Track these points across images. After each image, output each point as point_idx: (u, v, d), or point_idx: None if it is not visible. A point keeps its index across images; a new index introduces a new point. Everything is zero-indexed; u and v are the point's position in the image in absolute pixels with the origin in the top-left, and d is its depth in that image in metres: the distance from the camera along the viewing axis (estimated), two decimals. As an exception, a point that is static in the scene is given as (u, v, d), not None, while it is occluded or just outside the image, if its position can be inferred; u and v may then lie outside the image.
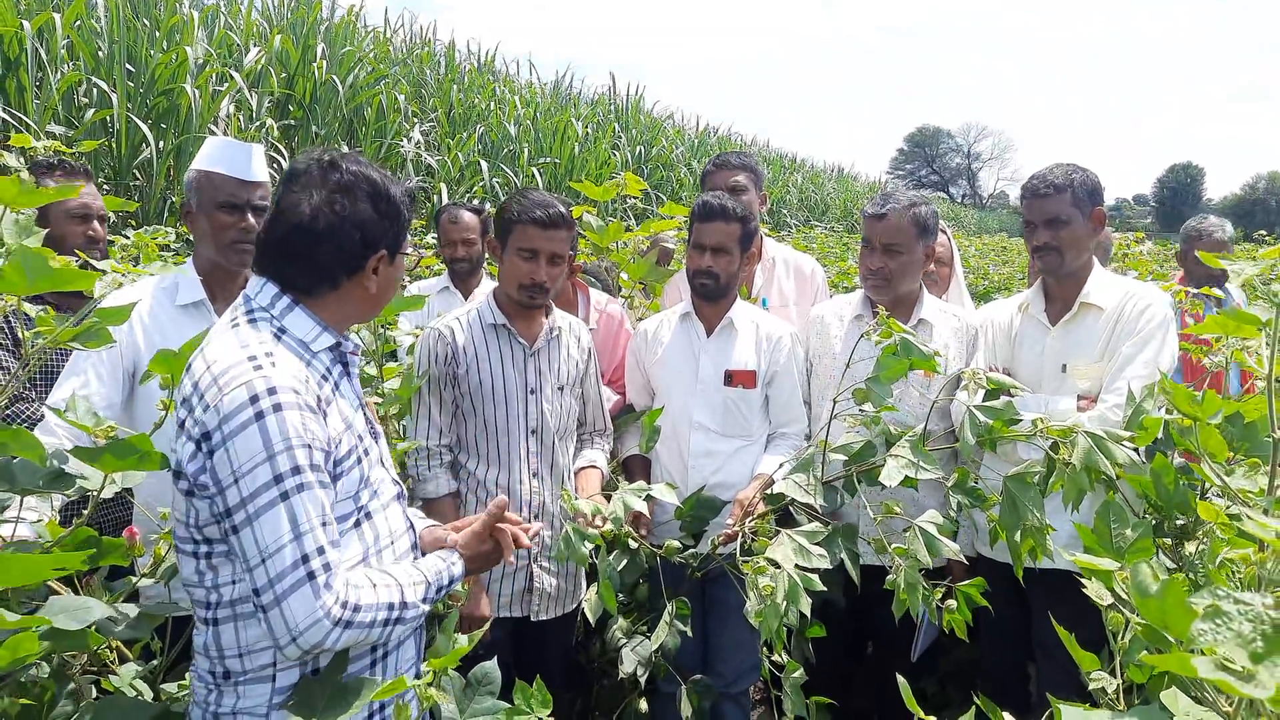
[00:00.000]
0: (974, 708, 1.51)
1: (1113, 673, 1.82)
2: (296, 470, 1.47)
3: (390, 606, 1.58)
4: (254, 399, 1.45)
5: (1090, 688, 1.78)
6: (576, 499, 2.46)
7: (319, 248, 1.60)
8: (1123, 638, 1.83)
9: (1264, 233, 11.73)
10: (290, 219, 1.61)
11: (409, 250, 1.80)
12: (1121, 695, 1.75)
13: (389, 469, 1.81)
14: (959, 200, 72.62)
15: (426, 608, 1.67)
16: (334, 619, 1.47)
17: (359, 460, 1.64)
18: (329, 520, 1.52)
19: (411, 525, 1.83)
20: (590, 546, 2.40)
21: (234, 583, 1.55)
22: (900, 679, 1.61)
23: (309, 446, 1.49)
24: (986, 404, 2.39)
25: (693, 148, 17.01)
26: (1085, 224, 2.73)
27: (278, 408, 1.46)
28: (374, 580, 1.58)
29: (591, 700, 3.54)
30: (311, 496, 1.49)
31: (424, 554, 1.83)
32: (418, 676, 1.76)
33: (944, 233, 3.68)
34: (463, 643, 1.70)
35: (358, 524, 1.64)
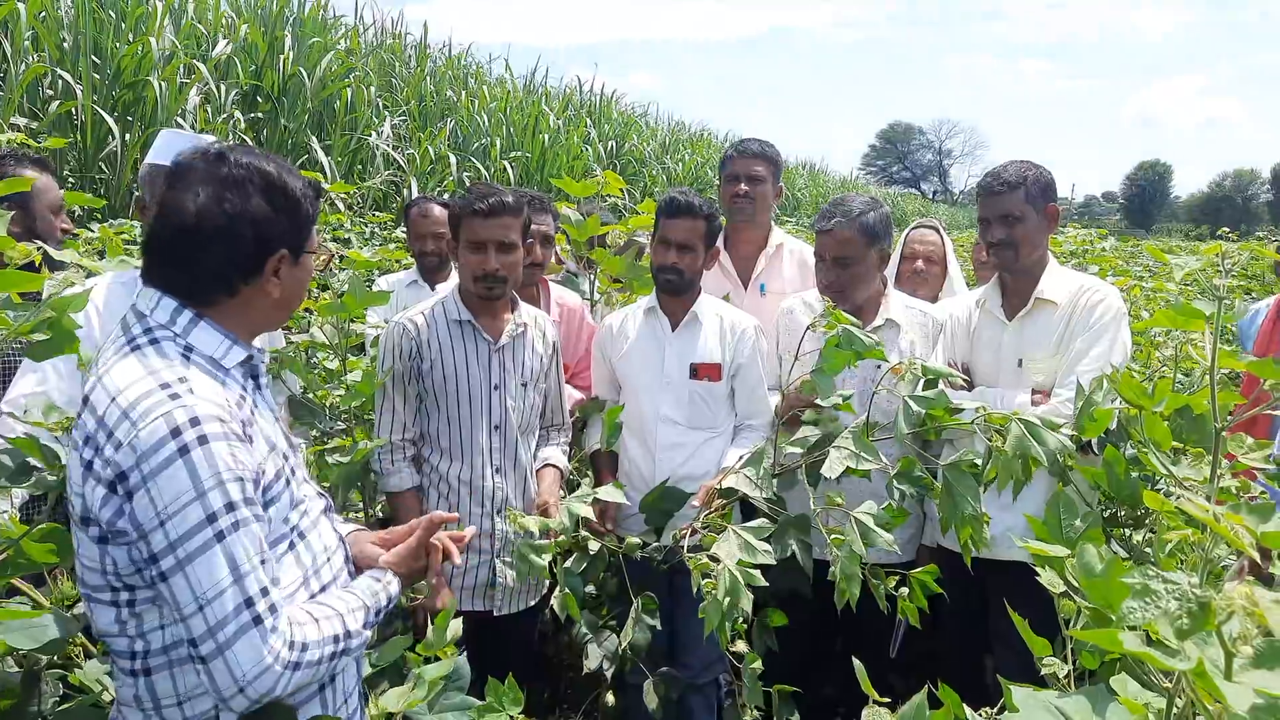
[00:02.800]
0: (925, 691, 1.53)
1: (1064, 659, 1.87)
2: (231, 507, 1.33)
3: (335, 639, 1.45)
4: (175, 432, 1.30)
5: (1043, 673, 1.82)
6: (522, 516, 2.46)
7: (207, 252, 1.43)
8: (1074, 624, 1.88)
9: (1226, 230, 11.91)
10: (173, 221, 1.43)
11: (317, 248, 1.62)
12: (1073, 680, 1.79)
13: (311, 481, 1.69)
14: (930, 197, 73.09)
15: (369, 633, 1.55)
16: (283, 662, 1.34)
17: (287, 482, 1.51)
18: (267, 556, 1.39)
19: (341, 539, 1.69)
20: (547, 557, 2.42)
21: (162, 627, 1.41)
22: (857, 663, 1.64)
23: (241, 479, 1.35)
24: (920, 394, 2.42)
25: (664, 145, 17.03)
26: (1039, 220, 2.77)
27: (203, 440, 1.32)
28: (314, 614, 1.45)
29: (559, 691, 3.56)
30: (249, 533, 1.35)
31: (356, 566, 1.72)
32: (363, 695, 1.72)
33: (937, 231, 3.72)
34: (423, 688, 1.70)
35: (292, 545, 1.51)
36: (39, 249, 1.56)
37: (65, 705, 1.76)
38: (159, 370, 1.37)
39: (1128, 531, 2.64)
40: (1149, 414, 1.76)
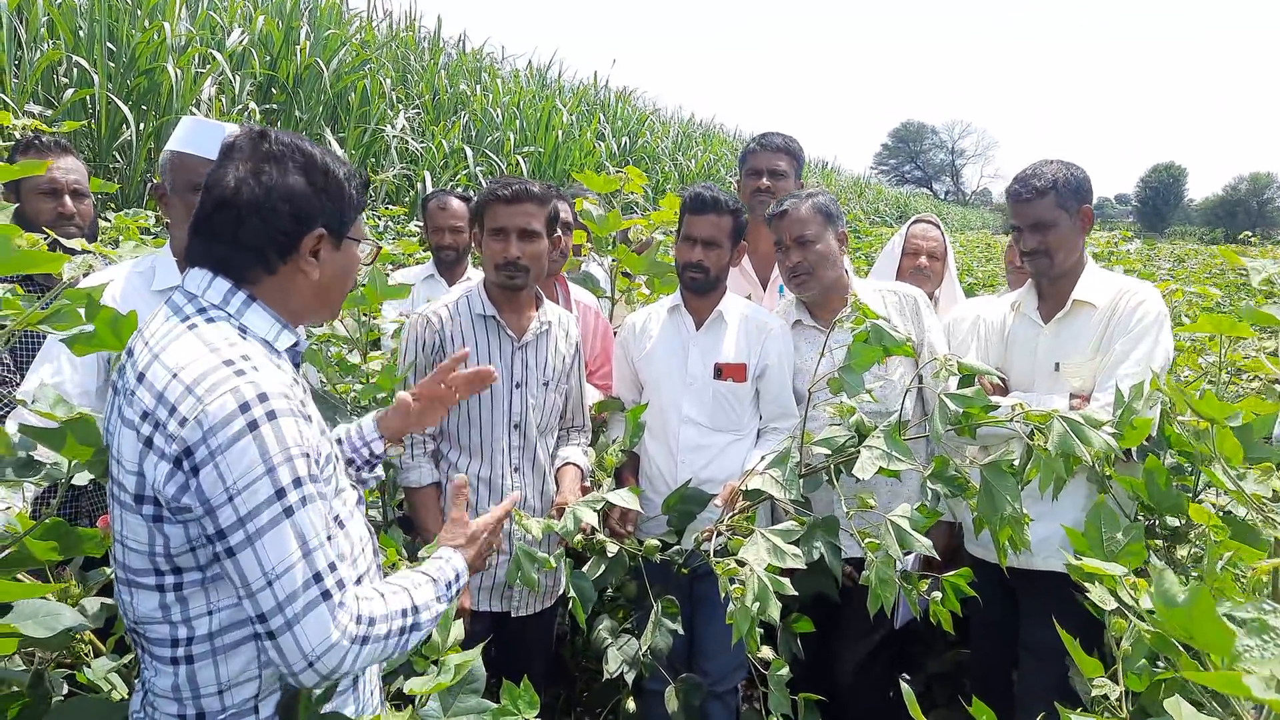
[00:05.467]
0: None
1: (1112, 678, 1.80)
2: (299, 482, 1.34)
3: (403, 612, 1.46)
4: (244, 407, 1.30)
5: (1093, 694, 1.75)
6: (526, 518, 2.41)
7: (244, 224, 1.44)
8: (1124, 644, 1.81)
9: (1249, 234, 11.79)
10: (214, 195, 1.46)
11: (365, 239, 1.63)
12: (1126, 700, 1.72)
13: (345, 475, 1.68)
14: (943, 197, 72.84)
15: (441, 608, 1.56)
16: (352, 637, 1.35)
17: (335, 467, 1.53)
18: (333, 532, 1.41)
19: (372, 531, 1.71)
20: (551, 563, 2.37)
21: (211, 613, 1.40)
22: (905, 686, 1.58)
23: (307, 456, 1.37)
24: (958, 391, 2.36)
25: (678, 142, 16.95)
26: (1073, 223, 2.69)
27: (271, 415, 1.32)
28: (381, 590, 1.47)
29: (575, 695, 3.51)
30: (315, 509, 1.36)
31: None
32: (382, 695, 1.71)
33: (937, 227, 3.65)
34: (449, 675, 1.65)
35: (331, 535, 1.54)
36: (47, 239, 1.50)
37: (70, 699, 1.72)
38: (220, 348, 1.37)
39: (1162, 543, 2.57)
40: (1221, 428, 1.67)
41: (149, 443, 1.33)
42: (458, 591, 1.64)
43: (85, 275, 1.60)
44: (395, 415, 1.96)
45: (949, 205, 54.56)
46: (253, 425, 1.30)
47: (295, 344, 1.52)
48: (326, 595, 1.34)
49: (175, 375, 1.33)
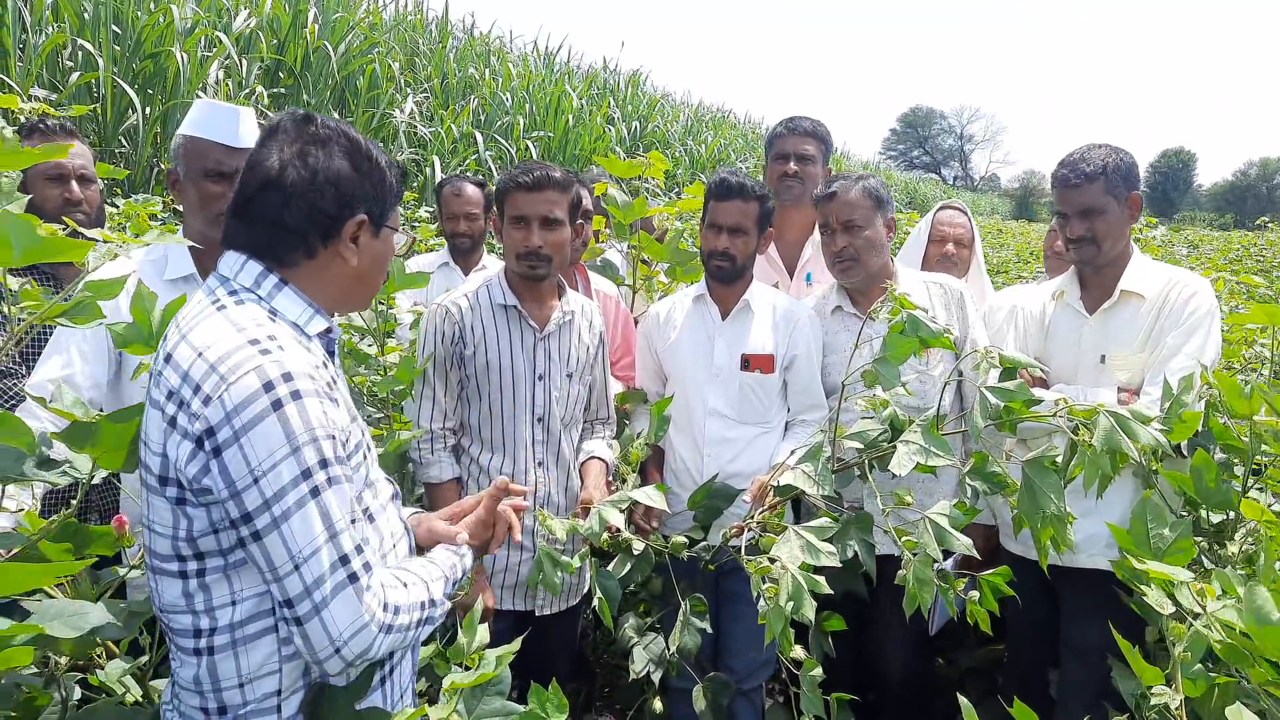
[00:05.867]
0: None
1: (1167, 682, 1.72)
2: (325, 464, 1.31)
3: (422, 605, 1.44)
4: (268, 386, 1.28)
5: (1154, 703, 1.67)
6: (550, 518, 2.33)
7: (289, 206, 1.42)
8: (1181, 650, 1.73)
9: (1265, 219, 11.64)
10: (258, 176, 1.44)
11: (400, 227, 1.64)
12: (1185, 712, 1.64)
13: (379, 468, 1.66)
14: (951, 182, 72.54)
15: (448, 605, 1.53)
16: (379, 623, 1.34)
17: (365, 456, 1.50)
18: (357, 516, 1.39)
19: (408, 528, 1.67)
20: (575, 564, 2.30)
21: (234, 603, 1.37)
22: (963, 700, 1.50)
23: (333, 437, 1.34)
24: (999, 385, 2.27)
25: (688, 127, 16.81)
26: (1121, 211, 2.60)
27: (296, 395, 1.29)
28: (402, 579, 1.44)
29: (596, 690, 3.45)
30: (340, 492, 1.34)
31: (420, 549, 1.68)
32: (413, 693, 1.67)
33: (964, 213, 3.56)
34: (491, 665, 1.60)
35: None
36: (66, 229, 1.43)
37: (88, 706, 1.67)
38: (247, 328, 1.35)
39: (1205, 540, 2.48)
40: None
41: (173, 422, 1.31)
42: (455, 589, 1.61)
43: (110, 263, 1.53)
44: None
45: (958, 191, 54.32)
46: (277, 404, 1.28)
47: (328, 330, 1.49)
48: (354, 578, 1.32)
49: (200, 354, 1.31)
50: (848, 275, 2.88)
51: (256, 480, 1.27)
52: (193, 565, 1.36)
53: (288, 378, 1.30)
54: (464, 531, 1.70)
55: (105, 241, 1.37)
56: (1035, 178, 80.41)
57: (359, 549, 1.34)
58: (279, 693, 1.41)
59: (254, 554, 1.31)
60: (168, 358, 1.36)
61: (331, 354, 1.53)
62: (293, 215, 1.43)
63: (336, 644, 1.31)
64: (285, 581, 1.30)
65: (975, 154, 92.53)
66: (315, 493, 1.30)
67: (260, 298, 1.42)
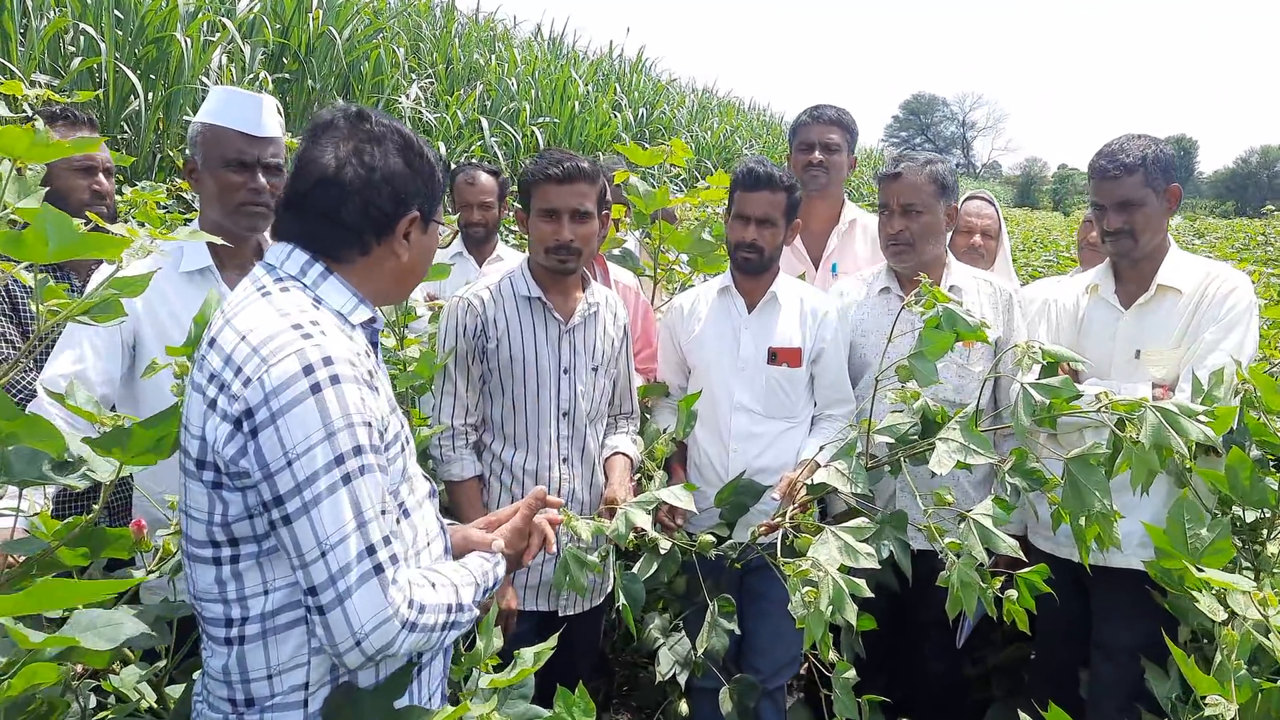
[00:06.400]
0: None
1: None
2: (359, 450, 1.30)
3: (449, 609, 1.41)
4: (308, 369, 1.28)
5: (1207, 713, 1.62)
6: (575, 519, 2.27)
7: (346, 204, 1.43)
8: (1235, 657, 1.69)
9: (1271, 207, 11.58)
10: (314, 173, 1.44)
11: (442, 221, 1.61)
12: (1239, 721, 1.59)
13: (418, 464, 1.64)
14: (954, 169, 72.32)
15: (476, 612, 1.49)
16: (403, 619, 1.30)
17: (403, 448, 1.48)
18: (389, 508, 1.36)
19: (444, 527, 1.65)
20: (600, 559, 2.24)
21: (266, 593, 1.36)
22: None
23: (369, 425, 1.33)
24: (1043, 381, 2.21)
25: (694, 113, 16.69)
26: (1160, 203, 2.53)
27: (335, 380, 1.29)
28: (430, 579, 1.41)
29: (614, 689, 3.40)
30: (373, 480, 1.32)
31: (454, 556, 1.65)
32: (444, 695, 1.64)
33: (991, 204, 3.50)
34: (529, 661, 1.57)
35: (397, 521, 1.45)
36: (90, 225, 1.37)
37: (102, 714, 1.63)
38: (290, 313, 1.36)
39: (1240, 540, 2.43)
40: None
41: (213, 405, 1.32)
42: (485, 597, 1.57)
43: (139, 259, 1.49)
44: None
45: (960, 178, 54.15)
46: (315, 388, 1.28)
47: (372, 319, 1.50)
48: (379, 569, 1.30)
49: (244, 338, 1.32)
50: (900, 260, 2.82)
51: (290, 463, 1.26)
52: (227, 552, 1.36)
53: (328, 362, 1.30)
54: (500, 539, 1.67)
55: (132, 236, 1.30)
56: (1037, 165, 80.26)
57: (387, 540, 1.32)
58: (306, 686, 1.39)
59: (283, 539, 1.30)
60: (211, 342, 1.37)
61: (375, 344, 1.53)
62: (350, 213, 1.43)
63: (358, 636, 1.28)
64: (311, 568, 1.28)
65: (977, 141, 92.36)
66: (347, 479, 1.29)
67: (305, 285, 1.43)
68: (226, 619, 1.37)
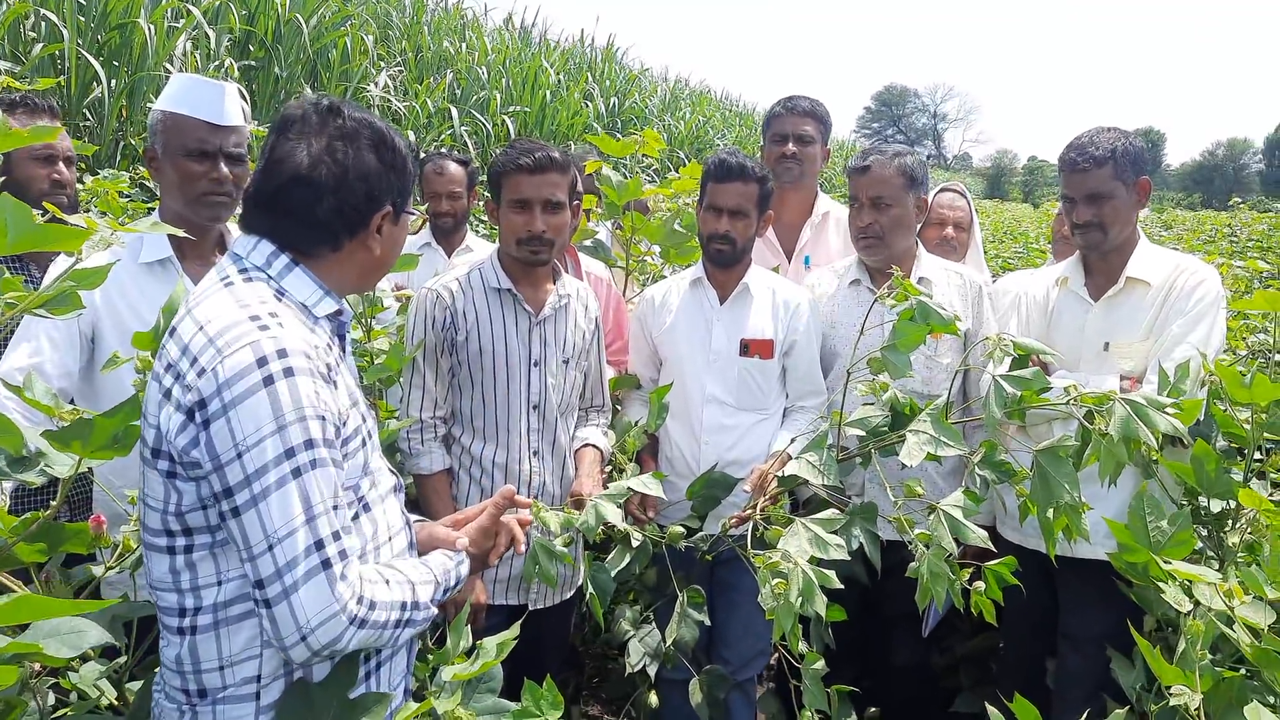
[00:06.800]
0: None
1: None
2: (310, 444, 1.29)
3: (403, 606, 1.40)
4: (261, 361, 1.27)
5: (1172, 703, 1.63)
6: (545, 510, 2.25)
7: (320, 203, 1.42)
8: (1199, 648, 1.70)
9: (1237, 199, 11.73)
10: (286, 170, 1.42)
11: (413, 211, 1.60)
12: (1203, 711, 1.61)
13: (383, 458, 1.62)
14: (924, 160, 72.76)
15: (434, 610, 1.48)
16: (350, 615, 1.29)
17: (364, 443, 1.47)
18: (340, 504, 1.34)
19: (409, 522, 1.64)
20: (566, 545, 2.22)
21: (219, 583, 1.36)
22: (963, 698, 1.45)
23: (323, 418, 1.32)
24: (1014, 373, 2.22)
25: (665, 103, 16.66)
26: (1129, 196, 2.55)
27: (289, 372, 1.28)
28: (385, 576, 1.40)
29: (584, 681, 3.39)
30: (325, 475, 1.31)
31: (419, 553, 1.64)
32: (407, 690, 1.63)
33: (963, 196, 3.51)
34: (492, 653, 1.55)
35: (355, 516, 1.44)
36: (47, 216, 1.34)
37: (62, 711, 1.61)
38: (250, 304, 1.35)
39: (1205, 530, 2.45)
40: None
41: (168, 394, 1.32)
42: (446, 596, 1.56)
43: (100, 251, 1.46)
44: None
45: (932, 170, 54.42)
46: (269, 380, 1.27)
47: (338, 312, 1.49)
48: (327, 564, 1.28)
49: (201, 328, 1.32)
50: (870, 252, 2.83)
51: (240, 455, 1.26)
52: (181, 541, 1.36)
53: (282, 354, 1.29)
54: (464, 538, 1.65)
55: (91, 227, 1.27)
56: (1007, 157, 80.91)
57: (337, 535, 1.31)
58: (259, 679, 1.38)
59: (233, 531, 1.29)
60: (171, 331, 1.37)
61: (342, 337, 1.53)
62: (324, 211, 1.43)
63: (303, 630, 1.27)
64: (259, 561, 1.27)
65: (948, 133, 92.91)
66: (297, 473, 1.28)
67: (270, 277, 1.42)
68: (180, 609, 1.37)
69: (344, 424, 1.40)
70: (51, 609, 1.16)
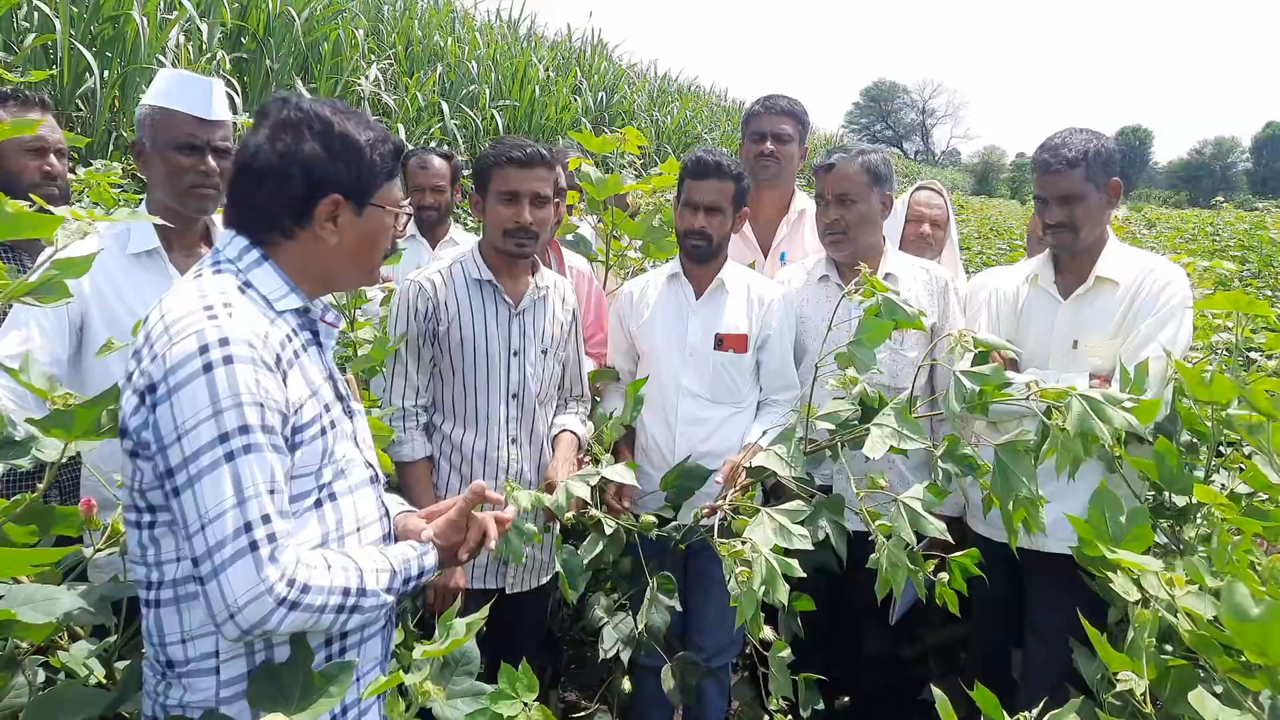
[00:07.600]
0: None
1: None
2: (245, 430, 1.33)
3: (345, 592, 1.42)
4: (204, 349, 1.33)
5: (1119, 689, 1.70)
6: (517, 489, 2.31)
7: (260, 189, 1.48)
8: (1146, 637, 1.77)
9: (1220, 199, 11.82)
10: (240, 159, 1.51)
11: (399, 207, 1.61)
12: (1148, 697, 1.68)
13: (365, 451, 1.65)
14: (912, 157, 72.88)
15: (390, 599, 1.51)
16: (277, 597, 1.32)
17: (323, 431, 1.49)
18: (278, 488, 1.38)
19: (386, 513, 1.67)
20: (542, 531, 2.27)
21: (178, 560, 1.42)
22: (937, 692, 1.52)
23: (260, 405, 1.36)
24: (974, 369, 2.28)
25: (653, 97, 16.68)
26: (1100, 197, 2.61)
27: (228, 360, 1.33)
28: (330, 561, 1.42)
29: (562, 668, 3.45)
30: (260, 460, 1.35)
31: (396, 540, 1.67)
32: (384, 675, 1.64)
33: (941, 195, 3.57)
34: (460, 632, 1.59)
35: (319, 504, 1.49)
36: (34, 206, 1.39)
37: (50, 688, 1.64)
38: (208, 294, 1.41)
39: (1168, 523, 2.52)
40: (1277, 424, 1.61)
41: (129, 377, 1.39)
42: (413, 588, 1.58)
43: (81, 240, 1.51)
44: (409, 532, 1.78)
45: (919, 165, 54.54)
46: (208, 367, 1.33)
47: (305, 308, 1.54)
48: (254, 546, 1.32)
49: (162, 316, 1.39)
50: (837, 249, 2.89)
51: (180, 438, 1.32)
52: (145, 517, 1.43)
53: (224, 342, 1.34)
54: (430, 529, 1.66)
55: (75, 219, 1.33)
56: (995, 153, 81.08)
57: (266, 519, 1.34)
58: (217, 654, 1.43)
59: (174, 510, 1.35)
60: (145, 319, 1.43)
61: (315, 334, 1.57)
62: (264, 198, 1.48)
63: (231, 609, 1.31)
64: (194, 540, 1.32)
65: (937, 129, 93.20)
66: (230, 457, 1.32)
67: (238, 270, 1.48)
68: (147, 581, 1.44)
69: (295, 412, 1.43)
70: (22, 559, 1.22)
